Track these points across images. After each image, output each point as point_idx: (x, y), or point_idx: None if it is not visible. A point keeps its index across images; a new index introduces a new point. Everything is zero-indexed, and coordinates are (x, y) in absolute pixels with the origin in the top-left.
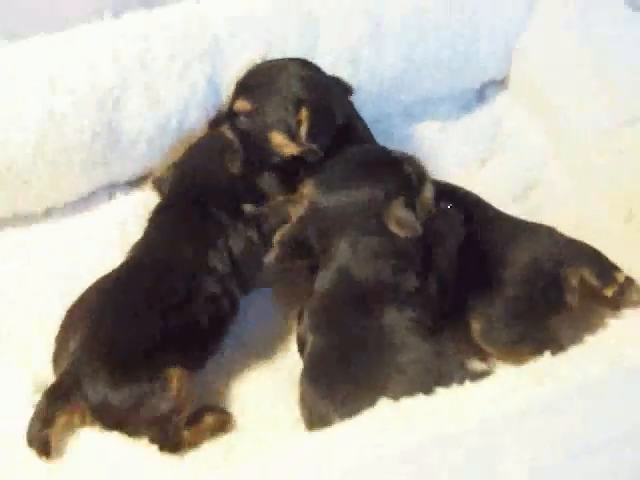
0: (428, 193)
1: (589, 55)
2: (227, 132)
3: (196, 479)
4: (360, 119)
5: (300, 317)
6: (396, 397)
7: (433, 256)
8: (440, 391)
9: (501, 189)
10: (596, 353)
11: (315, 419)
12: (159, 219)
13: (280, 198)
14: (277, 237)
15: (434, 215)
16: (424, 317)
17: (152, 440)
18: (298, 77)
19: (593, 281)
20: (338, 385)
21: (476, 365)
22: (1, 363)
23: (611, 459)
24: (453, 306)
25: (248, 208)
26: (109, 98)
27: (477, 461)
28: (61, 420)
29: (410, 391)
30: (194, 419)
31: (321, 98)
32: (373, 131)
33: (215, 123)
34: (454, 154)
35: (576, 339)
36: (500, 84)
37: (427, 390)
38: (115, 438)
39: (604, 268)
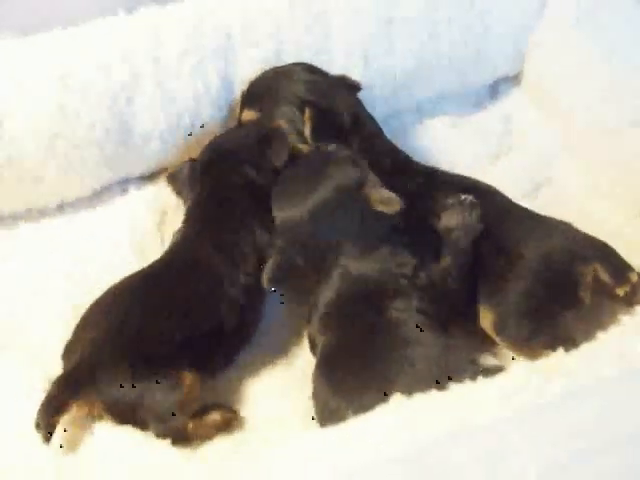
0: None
1: (598, 54)
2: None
3: (206, 474)
4: (369, 116)
5: (309, 316)
6: (407, 392)
7: (445, 250)
8: (453, 387)
9: (511, 186)
10: (607, 351)
11: (328, 415)
12: (193, 218)
13: None
14: (264, 275)
15: (449, 208)
16: (433, 311)
17: (156, 433)
18: (301, 81)
19: (606, 279)
20: (350, 381)
21: (489, 360)
22: (12, 358)
23: (622, 457)
24: (465, 298)
25: None
26: (122, 94)
27: (489, 457)
28: (71, 409)
29: (421, 386)
30: (200, 414)
31: (324, 99)
32: (385, 128)
33: None
34: (465, 150)
35: (588, 336)
36: (513, 80)
37: (438, 385)
38: (129, 434)
39: (618, 267)
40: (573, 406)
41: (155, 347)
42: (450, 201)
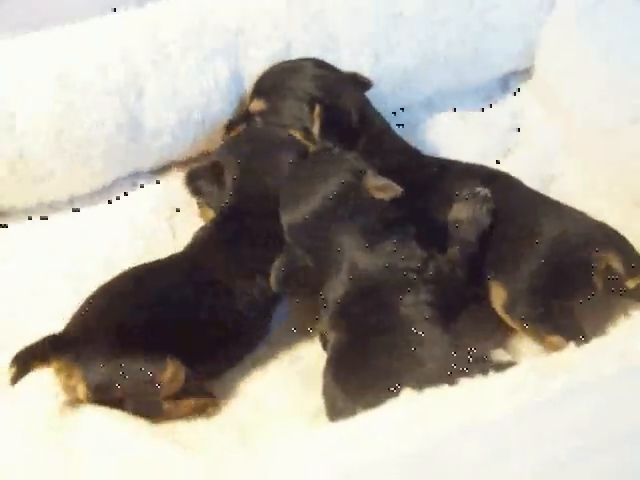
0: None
1: (596, 53)
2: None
3: (206, 470)
4: (376, 113)
5: (319, 314)
6: (417, 389)
7: (451, 241)
8: (463, 382)
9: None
10: (611, 348)
11: (337, 413)
12: (222, 220)
13: None
14: (272, 276)
15: (461, 200)
16: (442, 304)
17: (130, 409)
18: (312, 76)
19: (619, 269)
20: (359, 379)
21: (500, 355)
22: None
23: (621, 455)
24: (476, 288)
25: None
26: (132, 90)
27: (497, 453)
28: (49, 364)
29: (430, 383)
30: (177, 397)
31: (334, 96)
32: (394, 123)
33: (232, 124)
34: (475, 145)
35: (597, 328)
36: (524, 75)
37: (446, 382)
38: (121, 422)
39: (631, 258)
40: (575, 403)
41: (146, 334)
42: (464, 193)
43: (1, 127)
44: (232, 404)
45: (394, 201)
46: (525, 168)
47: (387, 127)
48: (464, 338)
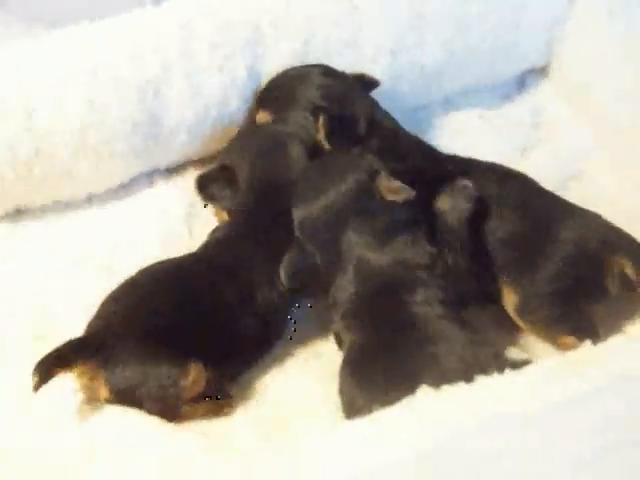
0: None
1: (628, 48)
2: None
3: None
4: (386, 115)
5: (331, 315)
6: (433, 386)
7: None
8: (480, 379)
9: (540, 179)
10: (632, 345)
11: (354, 410)
12: (239, 221)
13: None
14: (281, 272)
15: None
16: (455, 300)
17: (150, 410)
18: (316, 85)
19: (632, 275)
20: (375, 378)
21: (516, 354)
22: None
23: None
24: (489, 282)
25: None
26: (150, 87)
27: (516, 451)
28: (73, 368)
29: (447, 382)
30: (195, 400)
31: (339, 104)
32: (413, 120)
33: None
34: (494, 143)
35: (614, 327)
36: (541, 72)
37: (462, 379)
38: (149, 421)
39: None
40: (593, 402)
41: (168, 335)
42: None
43: (18, 126)
44: (251, 402)
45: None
46: (545, 166)
47: (398, 127)
48: (480, 336)
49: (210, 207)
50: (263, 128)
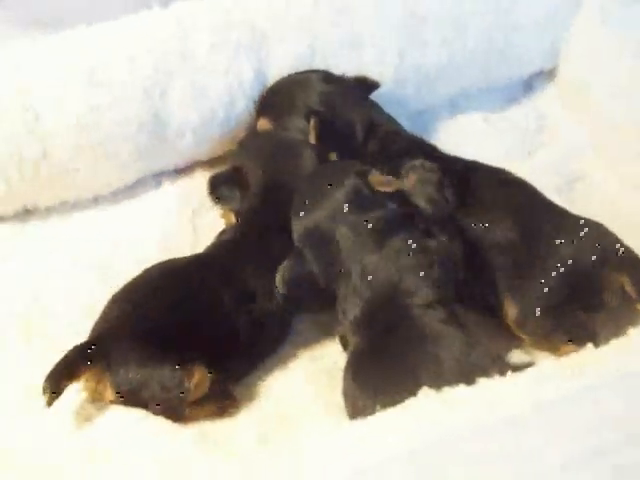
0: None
1: (625, 50)
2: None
3: (235, 467)
4: (386, 117)
5: (338, 320)
6: (434, 388)
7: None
8: (481, 381)
9: (544, 182)
10: (634, 346)
11: (357, 411)
12: (245, 226)
13: None
14: (278, 278)
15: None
16: (453, 299)
17: (153, 411)
18: (314, 91)
19: (631, 292)
20: (378, 379)
21: (518, 356)
22: (49, 351)
23: None
24: (489, 293)
25: None
26: (155, 89)
27: (516, 451)
28: (80, 378)
29: (447, 382)
30: (199, 401)
31: (333, 109)
32: (417, 123)
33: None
34: (498, 146)
35: (617, 332)
36: (547, 75)
37: (463, 381)
38: (146, 421)
39: None
40: (594, 401)
41: (172, 337)
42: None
43: (25, 127)
44: (254, 403)
45: (402, 199)
46: (549, 168)
47: (399, 129)
48: (479, 338)
49: (217, 209)
50: (275, 133)
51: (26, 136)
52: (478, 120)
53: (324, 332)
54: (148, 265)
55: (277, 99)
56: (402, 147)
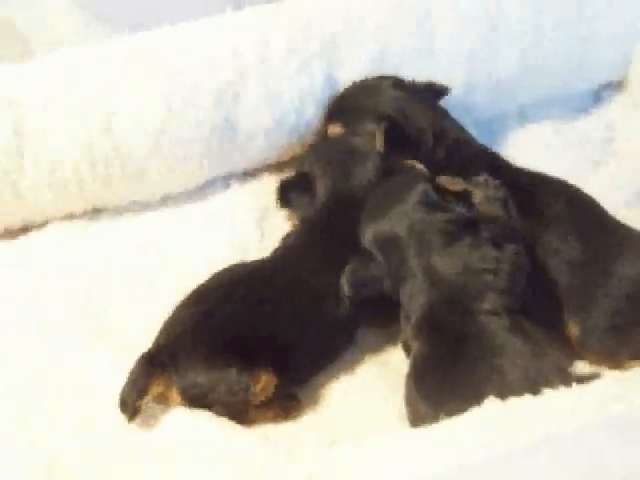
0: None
1: None
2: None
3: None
4: (455, 124)
5: (401, 324)
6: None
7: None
8: (547, 392)
9: (613, 193)
10: None
11: (419, 420)
12: (311, 229)
13: None
14: (344, 279)
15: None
16: (518, 308)
17: (218, 413)
18: (385, 97)
19: None
20: (441, 388)
21: (582, 368)
22: (117, 348)
23: None
24: (551, 310)
25: None
26: (228, 92)
27: (580, 465)
28: (153, 390)
29: (511, 393)
30: (264, 403)
31: (403, 115)
32: (487, 131)
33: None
34: (567, 156)
35: None
36: (617, 86)
37: (528, 392)
38: (212, 423)
39: None
40: None
41: (239, 341)
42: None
43: (98, 126)
44: (319, 406)
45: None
46: (618, 181)
47: (466, 136)
48: (543, 349)
49: (284, 212)
50: (344, 140)
51: (100, 136)
52: (547, 130)
53: (389, 338)
54: (214, 266)
55: (348, 104)
56: (468, 156)
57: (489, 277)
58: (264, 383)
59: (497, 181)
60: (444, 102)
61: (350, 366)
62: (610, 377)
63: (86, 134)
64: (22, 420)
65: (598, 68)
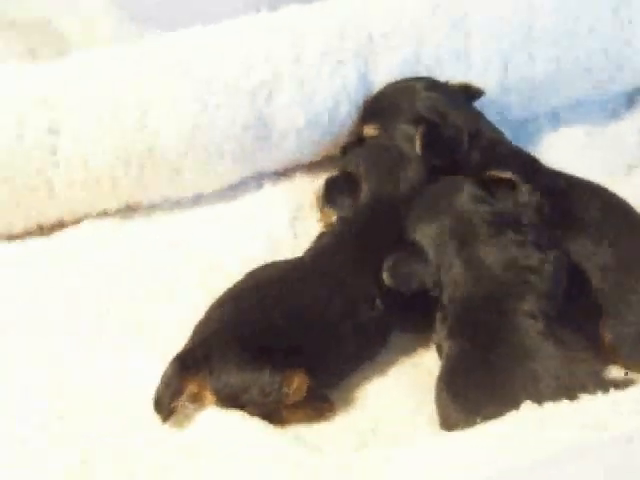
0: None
1: None
2: None
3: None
4: (489, 126)
5: (435, 324)
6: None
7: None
8: (583, 398)
9: None
10: None
11: (450, 423)
12: (348, 230)
13: None
14: (384, 269)
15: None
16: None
17: (251, 413)
18: (421, 99)
19: None
20: (471, 391)
21: (617, 373)
22: (151, 346)
23: None
24: (584, 315)
25: None
26: (261, 91)
27: (620, 471)
28: (187, 390)
29: (545, 398)
30: (297, 404)
31: (440, 116)
32: (520, 132)
33: (346, 149)
34: (600, 160)
35: None
36: None
37: (563, 397)
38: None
39: None
40: None
41: (273, 342)
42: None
43: (132, 125)
44: (349, 408)
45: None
46: None
47: (501, 138)
48: (577, 353)
49: (317, 211)
50: (388, 144)
51: (134, 133)
52: (580, 133)
53: (421, 341)
54: (247, 265)
55: (384, 106)
56: (503, 157)
57: (532, 277)
58: (297, 384)
59: (532, 187)
60: (478, 104)
61: (382, 367)
62: None
63: (120, 133)
64: (58, 419)
65: (632, 72)
